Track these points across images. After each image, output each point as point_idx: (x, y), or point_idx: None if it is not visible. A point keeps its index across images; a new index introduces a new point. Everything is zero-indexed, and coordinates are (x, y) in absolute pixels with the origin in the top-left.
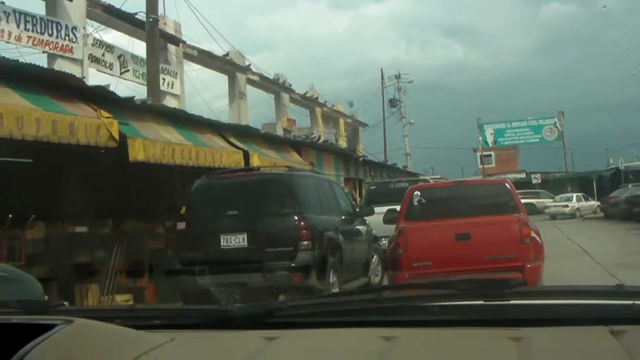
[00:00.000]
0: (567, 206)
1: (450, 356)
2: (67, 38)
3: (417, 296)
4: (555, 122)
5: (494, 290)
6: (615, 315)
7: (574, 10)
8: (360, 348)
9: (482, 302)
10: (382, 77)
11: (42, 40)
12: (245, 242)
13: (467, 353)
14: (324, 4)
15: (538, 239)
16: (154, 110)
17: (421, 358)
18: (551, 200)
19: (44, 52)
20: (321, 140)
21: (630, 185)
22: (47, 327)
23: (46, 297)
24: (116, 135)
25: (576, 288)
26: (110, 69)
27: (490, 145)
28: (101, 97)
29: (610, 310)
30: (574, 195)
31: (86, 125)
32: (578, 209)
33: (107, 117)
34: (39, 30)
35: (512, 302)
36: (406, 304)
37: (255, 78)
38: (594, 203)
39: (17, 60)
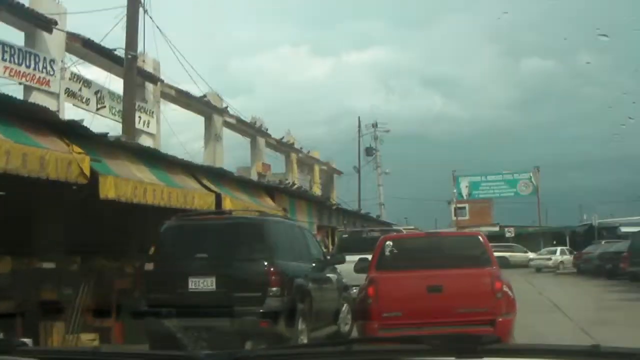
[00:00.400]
0: (550, 259)
1: None
2: (44, 71)
3: (387, 350)
4: (531, 177)
5: (467, 346)
6: None
7: (553, 66)
8: None
9: (454, 358)
10: (359, 126)
11: (19, 71)
12: (214, 286)
13: None
14: (305, 50)
15: (510, 292)
16: (127, 148)
17: None
18: (533, 253)
19: (20, 83)
20: (295, 186)
21: (603, 242)
22: None
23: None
24: (87, 172)
25: (551, 347)
26: (87, 105)
27: (465, 197)
28: (75, 132)
29: None
30: (558, 248)
31: (57, 160)
32: (562, 262)
33: (79, 153)
34: (16, 61)
35: (485, 359)
36: (377, 358)
37: (232, 121)
38: None
39: None
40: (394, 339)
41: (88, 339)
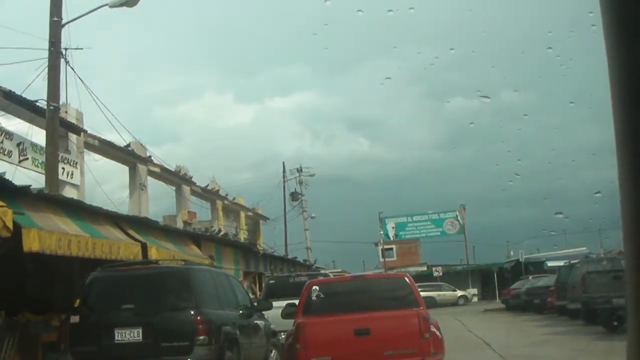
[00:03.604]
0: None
1: None
2: None
3: None
4: (457, 216)
5: None
6: None
7: (476, 106)
8: None
9: None
10: (284, 171)
11: None
12: (141, 337)
13: None
14: (229, 97)
15: (438, 332)
16: (51, 200)
17: None
18: (461, 291)
19: None
20: (221, 233)
21: (530, 277)
22: None
23: None
24: (10, 225)
25: None
26: (9, 157)
27: (392, 238)
28: None
29: None
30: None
31: None
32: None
33: (2, 206)
34: None
35: None
36: None
37: (156, 169)
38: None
39: None
40: None
41: None
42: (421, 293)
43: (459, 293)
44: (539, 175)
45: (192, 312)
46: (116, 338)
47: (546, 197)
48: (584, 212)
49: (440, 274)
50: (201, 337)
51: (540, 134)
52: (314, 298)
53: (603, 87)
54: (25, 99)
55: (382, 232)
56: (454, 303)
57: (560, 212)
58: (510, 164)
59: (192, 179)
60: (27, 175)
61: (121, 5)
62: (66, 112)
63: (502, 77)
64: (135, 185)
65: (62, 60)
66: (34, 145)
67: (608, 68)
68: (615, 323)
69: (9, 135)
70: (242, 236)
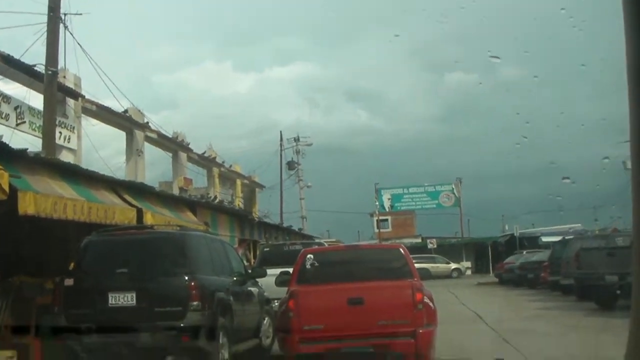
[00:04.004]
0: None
1: None
2: None
3: None
4: (453, 189)
5: None
6: None
7: (475, 80)
8: None
9: None
10: (281, 139)
11: None
12: (134, 301)
13: None
14: (228, 65)
15: (431, 304)
16: (47, 163)
17: None
18: (455, 264)
19: None
20: (217, 200)
21: (524, 252)
22: None
23: None
24: (6, 188)
25: None
26: (6, 120)
27: (387, 210)
28: None
29: None
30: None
31: None
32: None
33: None
34: None
35: None
36: None
37: (154, 136)
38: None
39: None
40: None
41: (6, 356)
42: (415, 265)
43: (453, 266)
44: (546, 142)
45: (186, 278)
46: (110, 302)
47: (553, 161)
48: (585, 184)
49: (435, 246)
50: (194, 303)
51: (549, 96)
52: (308, 266)
53: (617, 52)
54: (23, 63)
55: (377, 203)
56: (447, 275)
57: (568, 177)
58: (517, 129)
59: (189, 146)
60: (24, 139)
61: None
62: (64, 77)
63: (507, 48)
64: (132, 150)
65: (62, 25)
66: (31, 109)
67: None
68: (607, 300)
69: (6, 98)
70: (238, 204)
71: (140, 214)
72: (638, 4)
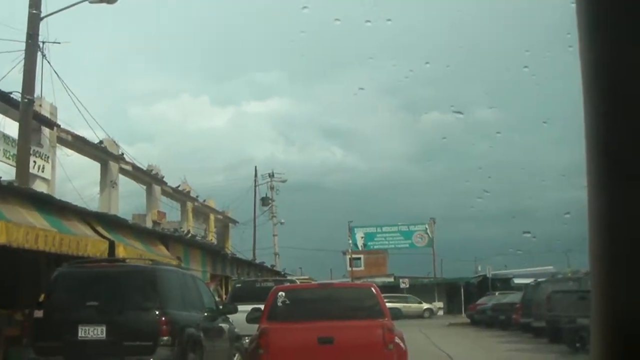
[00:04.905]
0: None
1: None
2: None
3: None
4: (426, 229)
5: None
6: None
7: (450, 121)
8: None
9: None
10: (255, 175)
11: None
12: (104, 335)
13: None
14: (205, 99)
15: (402, 344)
16: (20, 193)
17: None
18: (427, 304)
19: None
20: (190, 235)
21: (496, 293)
22: None
23: None
24: None
25: None
26: None
27: (360, 248)
28: None
29: None
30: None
31: None
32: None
33: None
34: None
35: None
36: None
37: (128, 168)
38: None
39: None
40: None
41: None
42: (387, 304)
43: (425, 306)
44: (508, 194)
45: (157, 312)
46: (79, 335)
47: (514, 215)
48: (551, 232)
49: (407, 285)
50: (165, 338)
51: (512, 152)
52: (279, 304)
53: (576, 109)
54: None
55: (350, 242)
56: (419, 315)
57: (529, 231)
58: (480, 180)
59: (164, 179)
60: None
61: (101, 1)
62: (40, 105)
63: (477, 93)
64: (106, 182)
65: (39, 53)
66: (5, 137)
67: (581, 71)
68: (579, 343)
69: None
70: (211, 238)
71: (112, 246)
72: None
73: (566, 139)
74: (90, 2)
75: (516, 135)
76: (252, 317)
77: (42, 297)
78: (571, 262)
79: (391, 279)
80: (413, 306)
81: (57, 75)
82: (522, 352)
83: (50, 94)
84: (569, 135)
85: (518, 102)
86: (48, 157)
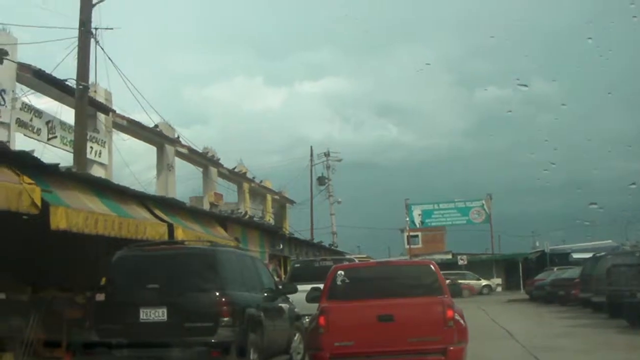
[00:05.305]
0: None
1: None
2: None
3: None
4: (483, 205)
5: None
6: None
7: (508, 95)
8: None
9: None
10: (312, 155)
11: None
12: (165, 317)
13: None
14: (259, 80)
15: (462, 321)
16: (78, 178)
17: None
18: (485, 281)
19: None
20: (247, 216)
21: (555, 269)
22: None
23: None
24: (38, 202)
25: None
26: (38, 135)
27: (418, 225)
28: (25, 163)
29: None
30: None
31: (7, 191)
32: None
33: (30, 184)
34: None
35: None
36: None
37: (184, 150)
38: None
39: None
40: None
41: None
42: (446, 281)
43: (483, 282)
44: (572, 165)
45: (217, 294)
46: (141, 317)
47: (579, 187)
48: (615, 203)
49: (465, 262)
50: (225, 319)
51: (577, 123)
52: (338, 283)
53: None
54: (55, 77)
55: (408, 219)
56: (478, 292)
57: (595, 202)
58: (545, 153)
59: (220, 161)
60: (56, 154)
61: None
62: (95, 91)
63: (539, 66)
64: (163, 165)
65: (92, 39)
66: (62, 124)
67: None
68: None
69: (38, 113)
70: (269, 219)
71: (171, 229)
72: None
73: (632, 110)
74: None
75: (580, 107)
76: (311, 297)
77: (103, 281)
78: (630, 236)
79: (449, 256)
80: (471, 283)
81: (111, 61)
82: (582, 327)
83: (104, 80)
84: (635, 106)
85: (582, 74)
86: (104, 142)
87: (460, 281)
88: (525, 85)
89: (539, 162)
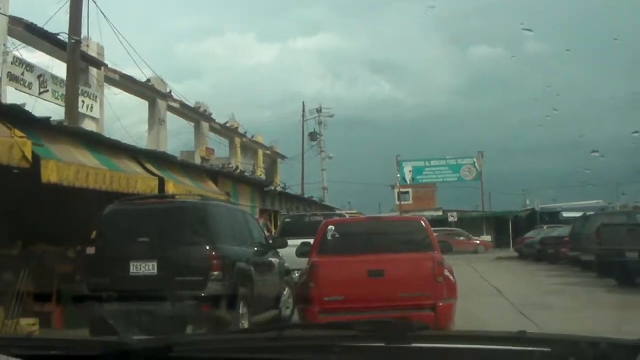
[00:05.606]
0: None
1: None
2: None
3: (319, 336)
4: (474, 162)
5: (397, 333)
6: None
7: (500, 53)
8: None
9: (384, 344)
10: (304, 111)
11: None
12: (155, 270)
13: None
14: (252, 36)
15: (452, 277)
16: (70, 132)
17: None
18: (476, 238)
19: None
20: (239, 170)
21: (545, 227)
22: None
23: None
24: (29, 156)
25: (479, 334)
26: (29, 89)
27: (409, 182)
28: (17, 117)
29: (513, 357)
30: None
31: None
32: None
33: (21, 137)
34: None
35: (414, 345)
36: (308, 344)
37: (176, 105)
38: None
39: None
40: (325, 325)
41: (28, 324)
42: (436, 237)
43: (478, 240)
44: (576, 113)
45: (207, 248)
46: (131, 271)
47: (583, 135)
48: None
49: (456, 219)
50: (215, 273)
51: (580, 70)
52: (329, 238)
53: None
54: (47, 32)
55: (399, 176)
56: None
57: (597, 150)
58: (542, 109)
59: (212, 116)
60: (47, 108)
61: None
62: (87, 46)
63: (540, 14)
64: (155, 120)
65: None
66: (54, 78)
67: None
68: (627, 277)
69: (29, 67)
70: (260, 174)
71: (162, 183)
72: None
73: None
74: None
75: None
76: (302, 251)
77: (94, 234)
78: (620, 197)
79: (440, 213)
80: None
81: (104, 15)
82: (571, 285)
83: (97, 34)
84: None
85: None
86: (96, 96)
87: (458, 238)
88: (530, 30)
89: (534, 118)
